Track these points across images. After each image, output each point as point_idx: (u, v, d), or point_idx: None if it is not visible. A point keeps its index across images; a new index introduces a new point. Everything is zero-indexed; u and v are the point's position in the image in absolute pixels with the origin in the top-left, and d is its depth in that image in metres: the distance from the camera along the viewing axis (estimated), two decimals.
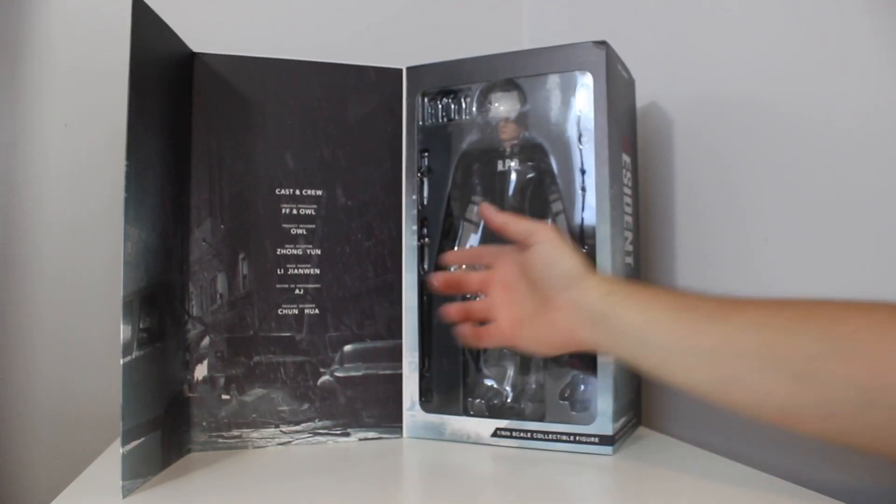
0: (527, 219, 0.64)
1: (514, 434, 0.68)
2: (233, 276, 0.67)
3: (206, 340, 0.66)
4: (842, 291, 0.61)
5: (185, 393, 0.66)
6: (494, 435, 0.69)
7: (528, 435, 0.68)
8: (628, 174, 0.73)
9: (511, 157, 0.73)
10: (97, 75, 0.85)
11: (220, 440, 0.67)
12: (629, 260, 0.72)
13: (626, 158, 0.72)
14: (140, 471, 0.56)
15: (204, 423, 0.66)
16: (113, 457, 0.65)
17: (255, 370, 0.68)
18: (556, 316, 0.59)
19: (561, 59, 0.69)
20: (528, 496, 0.56)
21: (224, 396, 0.67)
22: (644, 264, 0.84)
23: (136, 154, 0.55)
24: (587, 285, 0.57)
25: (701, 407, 0.75)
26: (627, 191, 0.72)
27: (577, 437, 0.66)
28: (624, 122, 0.72)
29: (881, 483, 0.58)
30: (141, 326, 0.57)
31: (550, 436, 0.67)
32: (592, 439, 0.65)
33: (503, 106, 0.73)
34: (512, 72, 0.71)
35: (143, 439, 0.56)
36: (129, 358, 0.55)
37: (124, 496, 0.54)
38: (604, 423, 0.65)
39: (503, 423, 0.69)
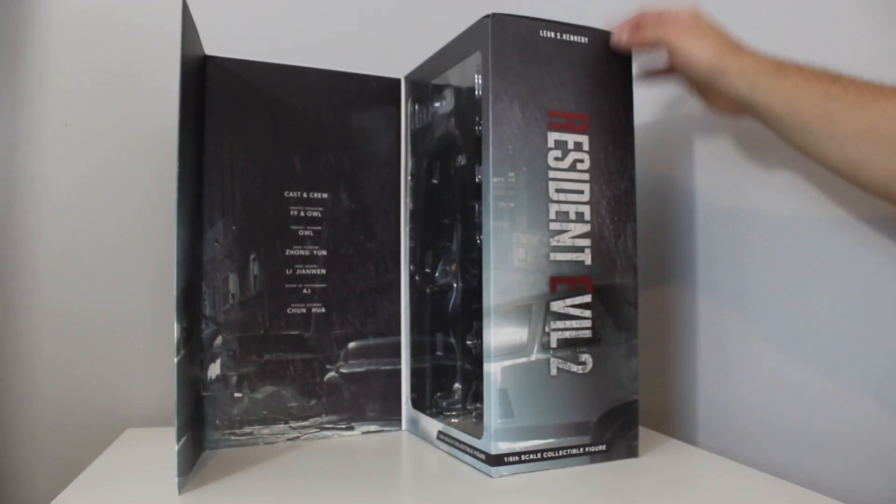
0: (651, 29, 0.61)
1: (446, 439, 0.68)
2: (244, 277, 0.69)
3: (218, 339, 0.68)
4: (842, 291, 0.62)
5: (200, 392, 0.67)
6: (437, 437, 0.70)
7: (453, 443, 0.66)
8: (576, 157, 0.62)
9: (462, 153, 0.73)
10: (97, 75, 0.85)
11: (233, 437, 0.69)
12: (575, 256, 0.62)
13: (563, 137, 0.62)
14: (184, 468, 0.57)
15: (217, 422, 0.68)
16: (112, 457, 0.67)
17: (265, 368, 0.70)
18: (714, 100, 0.63)
19: (467, 44, 0.65)
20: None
21: (237, 394, 0.69)
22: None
23: (182, 156, 0.56)
24: (729, 80, 0.57)
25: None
26: (568, 175, 0.62)
27: (473, 451, 0.62)
28: (561, 95, 0.62)
29: (881, 483, 0.60)
30: (184, 326, 0.58)
31: (461, 445, 0.65)
32: (480, 455, 0.61)
33: (440, 104, 0.75)
34: (445, 66, 0.70)
35: (186, 437, 0.58)
36: (179, 356, 0.56)
37: (180, 492, 0.55)
38: (488, 440, 0.60)
39: (441, 427, 0.69)
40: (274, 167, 0.71)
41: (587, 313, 0.62)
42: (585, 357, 0.62)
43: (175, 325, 0.55)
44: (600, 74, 0.64)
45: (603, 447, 0.63)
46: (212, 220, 0.68)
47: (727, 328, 0.74)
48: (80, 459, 0.67)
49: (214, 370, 0.68)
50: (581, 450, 0.62)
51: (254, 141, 0.70)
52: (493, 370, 0.59)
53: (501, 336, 0.59)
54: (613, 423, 0.63)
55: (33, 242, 0.83)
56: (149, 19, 0.86)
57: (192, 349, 0.64)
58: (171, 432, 0.55)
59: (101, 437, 0.76)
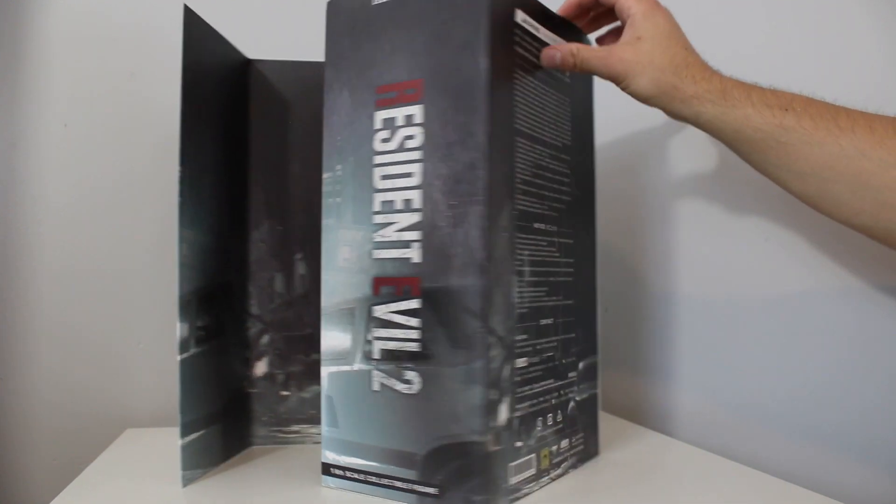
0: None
1: None
2: (290, 276, 0.70)
3: (265, 338, 0.68)
4: (842, 291, 0.64)
5: (245, 389, 0.67)
6: None
7: None
8: (405, 133, 0.53)
9: None
10: (97, 75, 0.83)
11: (280, 435, 0.68)
12: (401, 253, 0.53)
13: (392, 114, 0.53)
14: (199, 462, 0.58)
15: (264, 418, 0.68)
16: (112, 457, 0.66)
17: (313, 367, 0.70)
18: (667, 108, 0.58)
19: None
20: None
21: (283, 393, 0.69)
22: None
23: (191, 160, 0.58)
24: (674, 107, 0.55)
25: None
26: (396, 157, 0.53)
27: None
28: (393, 65, 0.53)
29: (881, 483, 0.60)
30: (198, 325, 0.59)
31: None
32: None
33: None
34: None
35: (201, 433, 0.58)
36: (186, 354, 0.56)
37: (184, 485, 0.55)
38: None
39: None
40: (320, 166, 0.70)
41: (414, 322, 0.52)
42: (411, 375, 0.52)
43: (178, 324, 0.55)
44: (440, 26, 0.52)
45: (433, 490, 0.51)
46: (257, 222, 0.69)
47: (726, 327, 0.74)
48: (80, 459, 0.66)
49: (261, 368, 0.68)
50: (407, 485, 0.52)
51: (299, 142, 0.71)
52: (323, 375, 0.56)
53: (329, 340, 0.56)
54: (446, 463, 0.51)
55: (33, 242, 0.79)
56: (149, 20, 0.85)
57: (227, 346, 0.64)
58: (172, 432, 0.55)
59: (101, 437, 0.74)
